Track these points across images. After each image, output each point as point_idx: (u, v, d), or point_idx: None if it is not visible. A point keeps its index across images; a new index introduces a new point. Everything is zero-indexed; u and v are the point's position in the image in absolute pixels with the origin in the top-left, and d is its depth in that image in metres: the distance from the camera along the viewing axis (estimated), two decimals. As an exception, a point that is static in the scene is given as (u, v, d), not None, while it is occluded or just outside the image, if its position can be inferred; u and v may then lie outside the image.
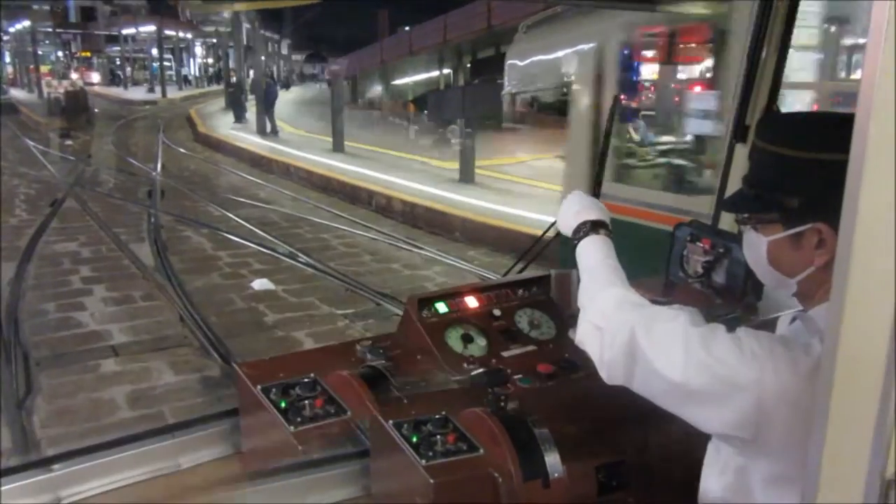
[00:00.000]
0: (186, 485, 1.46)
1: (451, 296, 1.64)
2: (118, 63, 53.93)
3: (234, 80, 21.36)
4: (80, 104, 23.43)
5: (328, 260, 7.60)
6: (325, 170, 12.31)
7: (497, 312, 1.64)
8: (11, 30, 35.10)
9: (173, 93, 36.40)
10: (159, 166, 14.10)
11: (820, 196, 0.99)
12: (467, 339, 1.57)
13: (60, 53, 49.28)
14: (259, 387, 1.36)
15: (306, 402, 1.32)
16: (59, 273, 7.06)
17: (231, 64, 27.58)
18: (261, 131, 18.16)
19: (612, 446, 1.27)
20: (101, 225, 9.07)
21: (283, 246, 8.11)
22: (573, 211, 1.33)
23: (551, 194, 9.75)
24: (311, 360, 1.48)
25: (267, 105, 17.62)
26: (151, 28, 36.69)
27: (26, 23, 35.89)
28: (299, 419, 1.28)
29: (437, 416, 1.31)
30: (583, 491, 1.25)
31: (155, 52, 54.70)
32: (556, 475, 1.21)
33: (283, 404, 1.31)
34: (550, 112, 26.18)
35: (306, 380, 1.37)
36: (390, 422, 1.30)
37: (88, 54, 50.91)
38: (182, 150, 17.03)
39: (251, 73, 27.40)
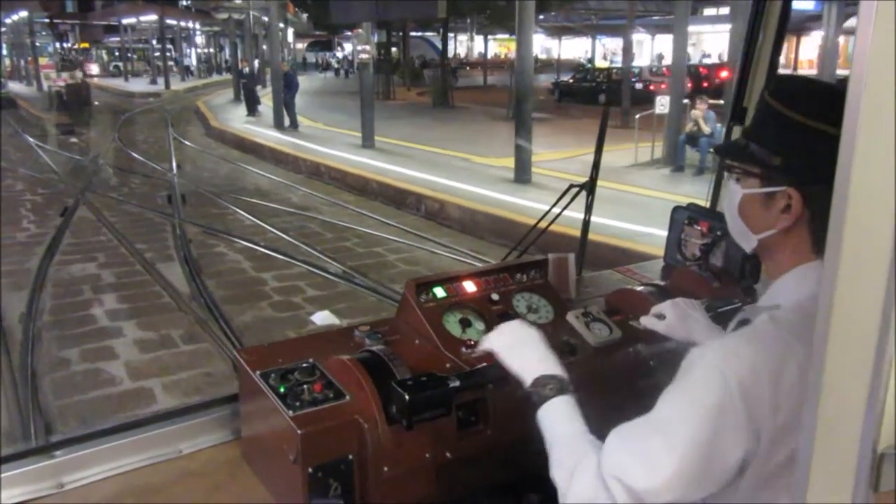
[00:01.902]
0: (187, 470, 1.45)
1: (450, 280, 1.62)
2: (117, 54, 52.55)
3: (245, 69, 20.08)
4: (82, 98, 22.26)
5: (390, 281, 6.51)
6: (360, 169, 11.18)
7: (495, 297, 1.63)
8: (8, 21, 33.73)
9: (176, 84, 35.13)
10: (174, 166, 12.98)
11: (799, 160, 1.04)
12: (465, 324, 1.55)
13: (59, 45, 47.91)
14: (258, 372, 1.35)
15: (305, 386, 1.30)
16: (80, 305, 5.97)
17: (238, 53, 26.30)
18: (278, 125, 16.98)
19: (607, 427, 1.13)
20: (121, 239, 7.98)
21: (334, 264, 7.02)
22: (535, 357, 1.23)
23: (633, 198, 8.68)
24: (309, 346, 1.48)
25: (288, 97, 16.42)
26: (153, 17, 35.30)
27: (23, 13, 34.54)
28: (298, 403, 1.27)
29: (304, 364, 1.36)
30: (444, 429, 1.30)
31: (155, 42, 53.65)
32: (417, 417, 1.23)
33: (282, 389, 1.30)
34: (575, 100, 25.15)
35: (305, 365, 1.36)
36: (257, 372, 1.35)
37: (87, 45, 49.52)
38: (195, 146, 15.89)
39: (255, 62, 26.23)
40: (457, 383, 1.25)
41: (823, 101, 1.04)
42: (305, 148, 13.63)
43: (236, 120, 19.15)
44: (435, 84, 26.03)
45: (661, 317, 1.48)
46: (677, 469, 0.95)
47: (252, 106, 19.81)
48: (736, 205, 1.13)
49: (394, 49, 41.44)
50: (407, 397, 1.19)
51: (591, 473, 1.02)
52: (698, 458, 0.95)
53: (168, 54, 45.00)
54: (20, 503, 1.36)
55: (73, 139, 17.04)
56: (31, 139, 16.73)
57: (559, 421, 1.14)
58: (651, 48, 45.27)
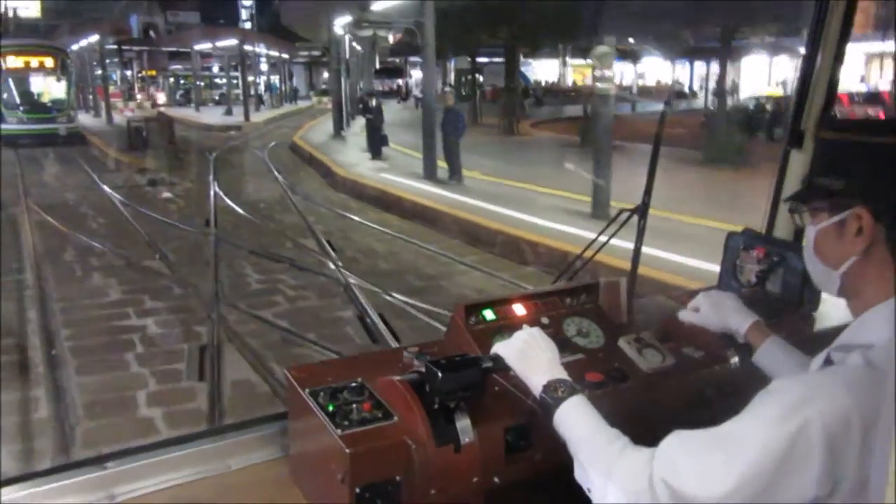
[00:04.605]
0: (235, 486, 1.44)
1: (499, 303, 1.60)
2: (182, 82, 49.89)
3: (372, 103, 16.09)
4: (165, 134, 18.63)
5: None
6: (666, 272, 6.81)
7: (545, 320, 1.59)
8: (75, 47, 30.84)
9: (252, 115, 31.71)
10: (323, 243, 8.91)
11: (861, 177, 1.02)
12: None
13: (129, 72, 45.32)
14: (307, 390, 1.34)
15: (354, 405, 1.29)
16: None
17: (342, 80, 22.48)
18: (430, 176, 12.92)
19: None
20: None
21: None
22: (544, 362, 1.25)
23: None
24: (359, 366, 1.46)
25: (452, 141, 12.29)
26: (232, 42, 31.99)
27: (94, 37, 31.57)
28: (347, 423, 1.25)
29: (353, 384, 1.35)
30: (492, 453, 1.29)
31: (216, 69, 50.96)
32: (466, 440, 1.24)
33: (330, 408, 1.29)
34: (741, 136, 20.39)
35: (354, 384, 1.36)
36: (307, 390, 1.33)
37: (154, 73, 46.93)
38: (327, 206, 11.85)
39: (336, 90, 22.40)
40: (489, 364, 1.27)
41: (871, 121, 0.70)
42: (508, 218, 9.37)
43: (361, 165, 15.15)
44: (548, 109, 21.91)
45: (696, 310, 1.50)
46: (731, 491, 0.90)
47: (378, 147, 15.81)
48: (812, 245, 1.11)
49: (476, 76, 37.67)
50: (439, 374, 1.20)
51: (638, 466, 0.99)
52: (755, 488, 0.89)
53: (234, 82, 42.14)
54: None
55: (166, 192, 13.19)
56: (111, 192, 12.95)
57: (582, 419, 1.14)
58: (769, 72, 40.52)
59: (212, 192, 12.75)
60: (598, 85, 8.94)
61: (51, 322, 6.13)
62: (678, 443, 0.97)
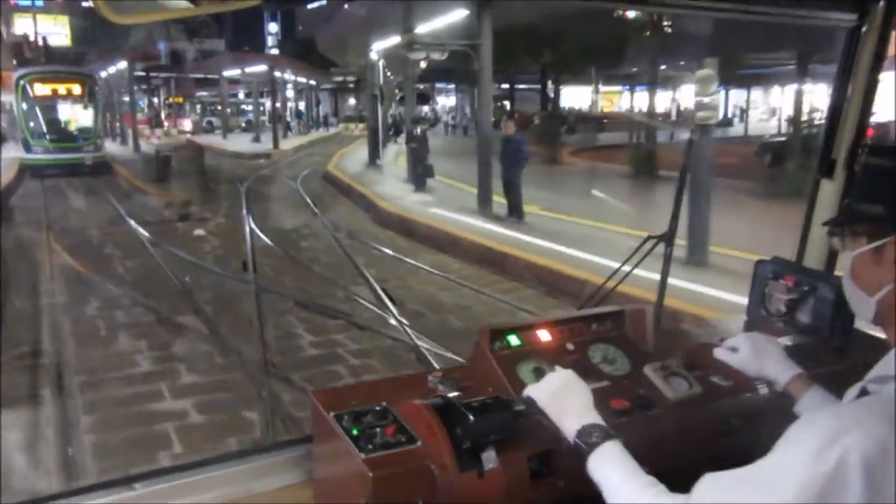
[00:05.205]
0: None
1: (524, 329, 1.58)
2: (209, 109, 49.55)
3: (416, 131, 15.04)
4: (196, 165, 17.75)
5: None
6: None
7: (570, 347, 1.58)
8: (103, 73, 30.39)
9: (280, 142, 30.94)
10: (380, 294, 7.76)
11: None
12: (539, 373, 1.47)
13: (156, 99, 45.08)
14: (332, 413, 1.33)
15: (377, 429, 1.28)
16: None
17: (379, 107, 21.53)
18: (484, 212, 11.77)
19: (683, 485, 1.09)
20: None
21: None
22: (579, 406, 1.21)
23: None
24: (383, 390, 1.45)
25: (512, 174, 11.11)
26: (262, 68, 31.37)
27: (122, 64, 31.10)
28: (370, 446, 1.24)
29: (377, 408, 1.33)
30: (516, 480, 1.27)
31: (242, 95, 50.80)
32: (490, 466, 1.23)
33: (354, 431, 1.28)
34: (796, 164, 18.96)
35: (378, 408, 1.34)
36: (331, 413, 1.32)
37: (181, 100, 46.60)
38: (375, 245, 10.72)
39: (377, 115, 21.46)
40: (521, 407, 1.26)
41: None
42: (589, 264, 8.16)
43: (405, 198, 14.05)
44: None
45: (734, 350, 1.45)
46: None
47: (422, 179, 14.73)
48: (849, 270, 1.09)
49: (505, 102, 36.74)
50: (471, 417, 1.20)
51: None
52: None
53: (261, 108, 41.64)
54: None
55: (198, 229, 12.15)
56: (139, 228, 11.95)
57: (617, 465, 1.11)
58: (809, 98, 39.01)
59: (247, 229, 11.69)
60: (700, 114, 7.76)
61: (68, 405, 5.03)
62: (714, 485, 0.93)
